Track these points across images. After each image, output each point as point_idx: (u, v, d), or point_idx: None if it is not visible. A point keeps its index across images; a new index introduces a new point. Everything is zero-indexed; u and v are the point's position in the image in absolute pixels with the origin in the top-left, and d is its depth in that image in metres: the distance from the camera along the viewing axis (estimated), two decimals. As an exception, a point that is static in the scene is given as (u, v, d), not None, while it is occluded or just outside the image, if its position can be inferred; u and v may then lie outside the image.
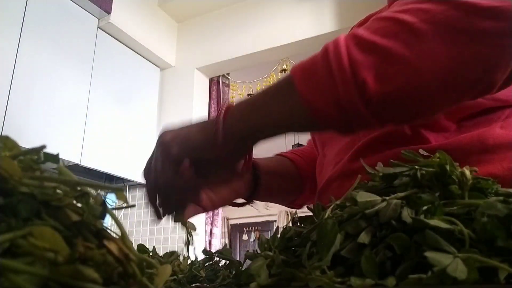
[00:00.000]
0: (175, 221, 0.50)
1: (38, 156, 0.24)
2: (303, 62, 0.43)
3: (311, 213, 0.37)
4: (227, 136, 0.46)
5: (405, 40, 0.38)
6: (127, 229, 2.62)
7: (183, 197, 0.50)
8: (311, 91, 0.40)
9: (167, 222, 2.62)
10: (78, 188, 0.23)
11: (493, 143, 0.49)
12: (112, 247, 0.20)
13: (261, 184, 0.63)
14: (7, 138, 0.24)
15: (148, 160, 0.51)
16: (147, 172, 0.50)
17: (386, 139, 0.55)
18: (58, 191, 0.22)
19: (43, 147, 0.24)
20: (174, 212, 0.51)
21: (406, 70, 0.38)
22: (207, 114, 2.96)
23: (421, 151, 0.35)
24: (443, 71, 0.39)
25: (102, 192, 0.24)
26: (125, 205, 0.27)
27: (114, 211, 0.25)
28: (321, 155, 0.71)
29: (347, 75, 0.38)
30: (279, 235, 0.35)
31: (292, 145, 4.58)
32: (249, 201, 0.63)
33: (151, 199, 0.50)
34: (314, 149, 0.80)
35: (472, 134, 0.50)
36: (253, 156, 0.57)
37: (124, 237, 0.23)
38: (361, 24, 0.83)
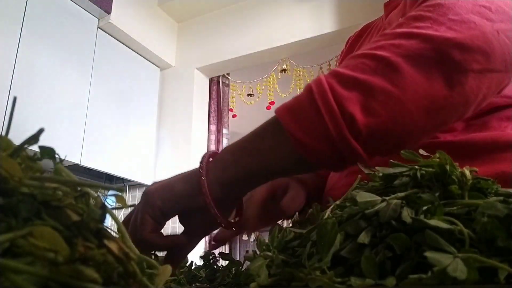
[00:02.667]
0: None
1: (35, 151, 0.24)
2: (286, 103, 0.42)
3: (311, 213, 0.37)
4: (212, 184, 0.43)
5: (383, 73, 0.40)
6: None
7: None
8: (301, 130, 0.40)
9: (167, 223, 2.63)
10: (78, 189, 0.23)
11: (505, 142, 0.50)
12: (113, 246, 0.20)
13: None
14: (0, 137, 0.24)
15: (130, 212, 0.49)
16: (126, 223, 0.48)
17: None
18: (58, 191, 0.22)
19: (42, 130, 0.24)
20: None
21: (389, 102, 0.39)
22: (207, 114, 2.96)
23: (421, 151, 0.35)
24: (424, 99, 0.40)
25: (101, 193, 0.24)
26: (125, 205, 0.27)
27: (114, 211, 0.25)
28: None
29: (334, 110, 0.38)
30: (278, 236, 0.35)
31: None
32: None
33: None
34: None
35: (484, 134, 0.51)
36: None
37: (124, 237, 0.23)
38: (356, 35, 0.84)
